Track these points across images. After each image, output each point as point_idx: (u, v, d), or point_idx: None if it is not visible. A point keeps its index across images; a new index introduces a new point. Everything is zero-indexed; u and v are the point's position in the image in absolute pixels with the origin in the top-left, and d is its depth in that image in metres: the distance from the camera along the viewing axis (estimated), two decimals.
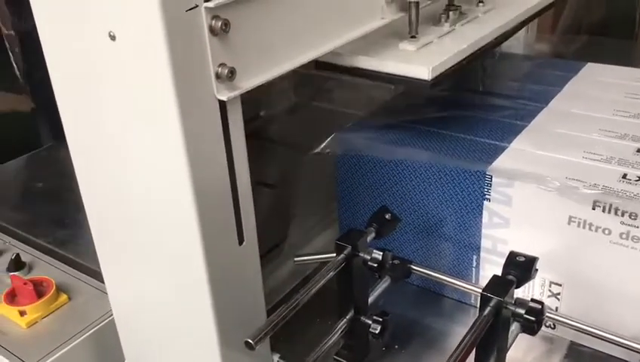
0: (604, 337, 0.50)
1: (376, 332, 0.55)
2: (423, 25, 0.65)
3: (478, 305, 0.48)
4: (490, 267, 0.63)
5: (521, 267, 0.50)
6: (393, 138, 0.67)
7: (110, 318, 0.64)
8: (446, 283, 0.61)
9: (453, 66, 0.60)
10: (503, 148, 0.62)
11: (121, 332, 0.61)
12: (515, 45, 1.02)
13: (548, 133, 0.65)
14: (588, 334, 0.51)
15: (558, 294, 0.59)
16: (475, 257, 0.64)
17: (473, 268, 0.65)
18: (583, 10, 1.42)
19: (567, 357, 0.59)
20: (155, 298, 0.56)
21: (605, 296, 0.57)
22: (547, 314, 0.49)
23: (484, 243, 0.62)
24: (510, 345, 0.50)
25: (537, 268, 0.52)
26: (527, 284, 0.57)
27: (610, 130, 0.64)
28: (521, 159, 0.60)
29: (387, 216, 0.59)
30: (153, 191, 0.48)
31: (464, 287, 0.60)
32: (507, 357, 0.50)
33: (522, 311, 0.47)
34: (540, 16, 0.83)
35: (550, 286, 0.60)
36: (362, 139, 0.67)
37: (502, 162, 0.60)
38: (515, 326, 0.49)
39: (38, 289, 0.67)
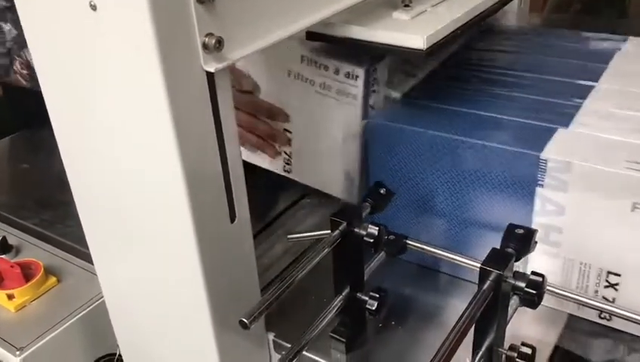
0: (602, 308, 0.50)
1: (373, 308, 0.54)
2: None
3: (478, 280, 0.47)
4: (541, 257, 0.59)
5: (520, 239, 0.49)
6: (433, 124, 0.62)
7: (101, 300, 0.63)
8: (443, 258, 0.60)
9: (447, 35, 0.59)
10: (557, 131, 0.59)
11: (113, 315, 0.60)
12: (510, 19, 1.00)
13: (604, 113, 0.62)
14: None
15: (617, 284, 0.56)
16: None
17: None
18: None
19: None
20: (147, 279, 0.54)
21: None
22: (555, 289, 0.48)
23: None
24: (509, 319, 0.49)
25: (537, 240, 0.51)
26: (580, 275, 0.57)
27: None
28: (579, 142, 0.57)
29: (382, 191, 0.57)
30: (141, 169, 0.47)
31: (462, 262, 0.59)
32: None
33: (523, 285, 0.46)
34: None
35: (607, 276, 0.56)
36: (400, 126, 0.63)
37: (558, 145, 0.56)
38: (514, 300, 0.48)
39: (26, 273, 0.65)
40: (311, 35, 0.58)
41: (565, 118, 0.61)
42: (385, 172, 0.64)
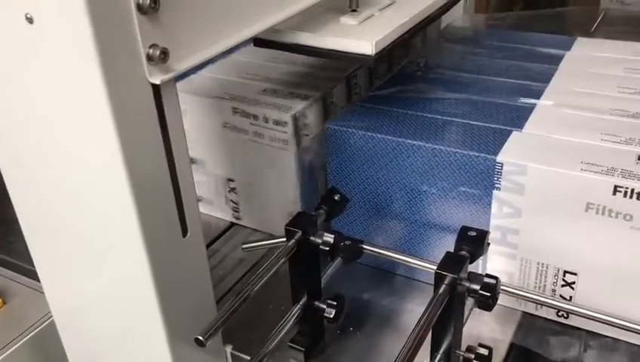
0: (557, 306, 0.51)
1: (331, 316, 0.54)
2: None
3: (434, 283, 0.47)
4: (499, 259, 0.60)
5: (473, 242, 0.50)
6: (391, 129, 0.62)
7: (50, 320, 0.60)
8: (399, 261, 0.60)
9: (395, 40, 0.59)
10: (512, 133, 0.59)
11: (63, 334, 0.58)
12: (456, 19, 1.02)
13: (557, 115, 0.62)
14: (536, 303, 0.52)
15: (573, 283, 0.57)
16: None
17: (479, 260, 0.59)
18: None
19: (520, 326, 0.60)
20: (98, 296, 0.53)
21: (623, 283, 0.54)
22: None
23: (494, 234, 0.58)
24: (466, 321, 0.50)
25: (489, 241, 0.51)
26: (538, 274, 0.58)
27: (621, 110, 0.62)
28: (533, 144, 0.57)
29: (336, 197, 0.57)
30: (87, 184, 0.45)
31: (417, 265, 0.59)
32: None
33: (477, 287, 0.47)
34: None
35: (564, 275, 0.57)
36: (357, 132, 0.63)
37: (513, 148, 0.57)
38: (469, 302, 0.49)
39: None
40: (259, 42, 0.57)
41: (519, 120, 0.62)
42: (342, 177, 0.65)
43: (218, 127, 0.70)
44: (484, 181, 0.57)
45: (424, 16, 0.65)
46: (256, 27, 0.50)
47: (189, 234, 0.48)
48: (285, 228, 0.52)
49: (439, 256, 0.49)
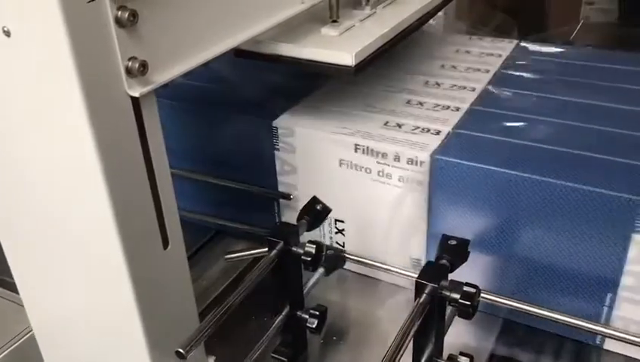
0: (529, 311, 0.52)
1: (313, 326, 0.54)
2: (344, 9, 0.63)
3: (414, 292, 0.48)
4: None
5: (453, 251, 0.50)
6: (508, 161, 0.57)
7: (30, 334, 0.60)
8: (381, 270, 0.61)
9: (376, 51, 0.59)
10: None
11: (44, 349, 0.57)
12: (437, 28, 1.03)
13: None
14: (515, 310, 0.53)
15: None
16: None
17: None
18: None
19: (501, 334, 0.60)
20: (79, 309, 0.52)
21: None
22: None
23: (626, 280, 0.55)
24: (447, 329, 0.50)
25: (470, 249, 0.52)
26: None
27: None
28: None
29: (318, 207, 0.57)
30: (67, 197, 0.45)
31: (399, 274, 0.60)
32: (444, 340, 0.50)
33: (457, 296, 0.47)
34: None
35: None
36: (471, 164, 0.58)
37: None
38: (450, 311, 0.49)
39: None
40: (239, 53, 0.58)
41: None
42: (449, 213, 0.60)
43: (333, 165, 0.64)
44: (621, 223, 0.52)
45: (404, 27, 0.66)
46: (237, 38, 0.50)
47: (170, 246, 0.48)
48: (267, 239, 0.53)
49: (565, 303, 0.52)
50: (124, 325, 0.49)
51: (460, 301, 0.47)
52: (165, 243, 0.48)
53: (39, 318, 0.56)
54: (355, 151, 0.61)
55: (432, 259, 0.51)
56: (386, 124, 0.64)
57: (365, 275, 0.67)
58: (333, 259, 0.57)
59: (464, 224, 0.59)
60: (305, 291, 0.56)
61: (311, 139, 0.64)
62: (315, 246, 0.53)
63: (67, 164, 0.43)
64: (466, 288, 0.47)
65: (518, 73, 0.75)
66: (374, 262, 0.60)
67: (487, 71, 0.75)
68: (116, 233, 0.43)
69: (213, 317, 0.46)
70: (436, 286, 0.46)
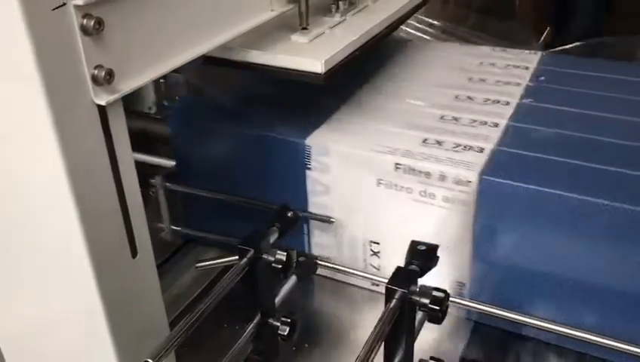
0: (503, 316, 0.53)
1: (285, 334, 0.54)
2: (313, 16, 0.64)
3: (385, 298, 0.48)
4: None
5: (423, 256, 0.51)
6: (568, 183, 0.55)
7: None
8: (353, 275, 0.61)
9: (345, 58, 0.60)
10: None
11: (9, 360, 0.56)
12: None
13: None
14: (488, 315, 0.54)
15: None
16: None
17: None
18: None
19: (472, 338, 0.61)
20: (45, 319, 0.51)
21: None
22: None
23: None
24: (417, 334, 0.51)
25: (439, 255, 0.52)
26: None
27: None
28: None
29: (289, 214, 0.57)
30: (32, 206, 0.44)
31: (370, 279, 0.60)
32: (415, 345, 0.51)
33: (427, 301, 0.47)
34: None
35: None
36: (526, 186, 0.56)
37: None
38: (421, 315, 0.49)
39: None
40: (209, 59, 0.57)
41: None
42: (495, 238, 0.58)
43: (370, 185, 0.61)
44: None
45: (374, 34, 0.66)
46: (205, 46, 0.50)
47: (138, 255, 0.48)
48: (237, 247, 0.52)
49: (624, 329, 0.50)
50: (92, 335, 0.48)
51: (430, 306, 0.47)
52: (134, 252, 0.47)
53: (4, 328, 0.55)
54: (396, 170, 0.59)
55: (478, 282, 0.52)
56: (424, 141, 0.61)
57: (339, 281, 0.67)
58: (305, 265, 0.57)
59: (513, 246, 0.57)
60: (277, 298, 0.56)
61: (347, 157, 0.61)
62: (285, 253, 0.53)
63: (33, 172, 0.42)
64: (435, 293, 0.47)
65: (551, 86, 0.73)
66: (346, 267, 0.61)
67: (518, 84, 0.73)
68: (83, 242, 0.43)
69: (184, 325, 0.46)
70: (406, 291, 0.47)
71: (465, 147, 0.60)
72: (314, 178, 0.63)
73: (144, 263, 0.49)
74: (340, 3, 0.68)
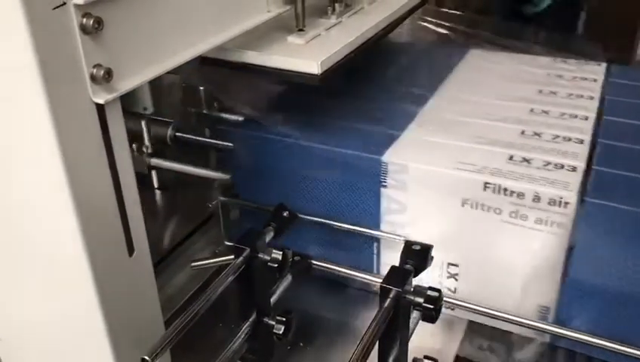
0: (496, 316, 0.53)
1: (280, 333, 0.54)
2: (309, 18, 0.64)
3: (379, 297, 0.48)
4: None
5: (417, 255, 0.51)
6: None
7: None
8: (347, 275, 0.61)
9: (341, 59, 0.60)
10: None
11: (4, 357, 0.56)
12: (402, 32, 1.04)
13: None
14: (481, 314, 0.54)
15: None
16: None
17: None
18: None
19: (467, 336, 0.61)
20: (41, 319, 0.52)
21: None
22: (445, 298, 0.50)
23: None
24: (412, 333, 0.51)
25: (433, 255, 0.53)
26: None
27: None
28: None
29: (285, 214, 0.58)
30: (31, 205, 0.44)
31: (365, 279, 0.61)
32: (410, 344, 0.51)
33: (421, 300, 0.48)
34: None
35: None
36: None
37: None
38: (415, 314, 0.50)
39: None
40: (205, 60, 0.58)
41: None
42: (595, 263, 0.55)
43: (454, 205, 0.58)
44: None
45: (370, 35, 0.67)
46: (202, 46, 0.50)
47: (135, 253, 0.48)
48: (233, 246, 0.53)
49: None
50: (88, 332, 0.48)
51: (424, 305, 0.48)
52: (131, 250, 0.48)
53: (1, 328, 0.55)
54: (484, 189, 0.56)
55: (566, 307, 0.51)
56: (511, 158, 0.58)
57: (334, 281, 0.68)
58: (300, 265, 0.58)
59: (613, 271, 0.54)
60: (273, 298, 0.56)
61: (429, 176, 0.58)
62: (281, 252, 0.53)
63: (31, 169, 0.42)
64: (429, 292, 0.48)
65: (628, 100, 0.70)
66: (341, 267, 0.61)
67: (592, 98, 0.70)
68: (81, 240, 0.43)
69: (180, 324, 0.46)
70: (400, 290, 0.47)
71: (555, 165, 0.57)
72: (389, 196, 0.60)
73: (141, 261, 0.49)
74: (336, 5, 0.68)
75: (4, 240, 0.48)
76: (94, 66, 0.40)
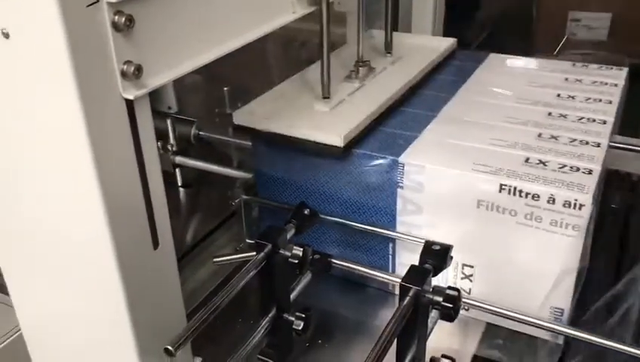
0: (511, 316, 0.54)
1: (300, 328, 0.55)
2: (334, 80, 0.67)
3: (398, 295, 0.49)
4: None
5: (437, 255, 0.52)
6: None
7: (18, 333, 0.60)
8: (367, 275, 0.62)
9: (363, 130, 0.63)
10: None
11: (32, 348, 0.58)
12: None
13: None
14: (497, 315, 0.54)
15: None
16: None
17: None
18: (484, 6, 1.49)
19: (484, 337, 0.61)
20: (68, 309, 0.53)
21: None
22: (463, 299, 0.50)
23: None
24: (430, 332, 0.51)
25: (452, 255, 0.53)
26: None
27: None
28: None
29: (306, 212, 0.59)
30: (60, 197, 0.46)
31: (384, 278, 0.61)
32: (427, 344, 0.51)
33: (440, 299, 0.48)
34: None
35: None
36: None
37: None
38: (434, 314, 0.50)
39: None
40: (237, 127, 0.63)
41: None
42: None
43: (469, 206, 0.58)
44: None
45: (392, 102, 0.69)
46: (229, 45, 0.51)
47: (160, 246, 0.49)
48: (255, 241, 0.54)
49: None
50: (113, 324, 0.49)
51: (443, 303, 0.48)
52: (155, 243, 0.49)
53: (28, 318, 0.56)
54: (500, 191, 0.56)
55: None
56: (527, 160, 0.59)
57: (353, 281, 0.68)
58: (320, 263, 0.58)
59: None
60: (292, 295, 0.57)
61: (445, 177, 0.58)
62: (302, 249, 0.54)
63: (61, 163, 0.44)
64: (448, 291, 0.48)
65: None
66: (360, 267, 0.61)
67: (610, 102, 0.70)
68: (108, 232, 0.44)
69: (202, 315, 0.47)
70: (419, 288, 0.47)
71: (572, 168, 0.57)
72: (405, 197, 0.61)
73: (165, 255, 0.50)
74: (360, 69, 0.71)
75: (33, 233, 0.49)
76: (125, 63, 0.41)
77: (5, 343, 0.61)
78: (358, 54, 0.72)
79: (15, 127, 0.44)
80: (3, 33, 0.39)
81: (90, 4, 0.38)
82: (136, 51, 0.42)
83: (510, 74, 0.79)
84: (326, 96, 0.65)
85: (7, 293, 0.55)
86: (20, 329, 0.58)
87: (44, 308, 0.55)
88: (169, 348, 0.44)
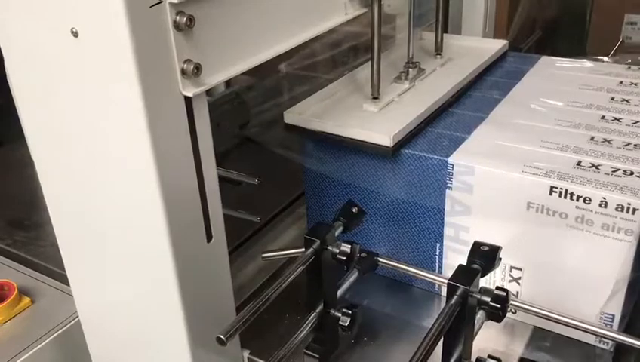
0: (561, 321, 0.53)
1: (346, 324, 0.56)
2: (384, 81, 0.67)
3: (445, 295, 0.49)
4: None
5: (485, 256, 0.51)
6: None
7: (76, 320, 0.63)
8: (413, 274, 0.62)
9: (412, 130, 0.63)
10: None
11: (88, 335, 0.60)
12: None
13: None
14: (545, 318, 0.53)
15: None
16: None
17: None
18: (536, 8, 1.46)
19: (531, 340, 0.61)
20: (123, 298, 0.55)
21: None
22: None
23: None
24: (476, 333, 0.51)
25: (501, 256, 0.53)
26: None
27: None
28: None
29: (354, 210, 0.59)
30: (119, 190, 0.48)
31: (430, 278, 0.61)
32: (473, 345, 0.51)
33: (488, 299, 0.48)
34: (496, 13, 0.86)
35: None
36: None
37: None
38: (480, 314, 0.50)
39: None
40: (287, 126, 0.63)
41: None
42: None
43: (519, 208, 0.57)
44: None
45: (440, 104, 0.68)
46: (283, 45, 0.52)
47: (213, 239, 0.51)
48: (304, 237, 0.55)
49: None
50: (166, 315, 0.51)
51: (491, 304, 0.48)
52: (209, 236, 0.50)
53: (86, 307, 0.59)
54: (550, 193, 0.55)
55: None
56: (579, 163, 0.58)
57: (399, 281, 0.69)
58: (366, 261, 0.59)
59: None
60: (339, 292, 0.58)
61: (495, 178, 0.58)
62: (350, 246, 0.55)
63: (122, 157, 0.46)
64: (496, 291, 0.48)
65: None
66: (408, 266, 0.62)
67: None
68: (165, 225, 0.46)
69: (253, 307, 0.48)
70: (467, 288, 0.48)
71: (625, 171, 0.56)
72: (454, 198, 0.61)
73: (217, 247, 0.52)
74: (410, 70, 0.71)
75: (95, 226, 0.52)
76: (185, 61, 0.43)
77: (64, 329, 0.63)
78: (408, 55, 0.72)
79: (82, 121, 0.46)
80: (72, 32, 0.41)
81: (154, 5, 0.40)
82: (195, 50, 0.43)
83: (562, 77, 0.78)
84: (375, 97, 0.66)
85: (65, 283, 0.58)
86: (77, 317, 0.61)
87: (101, 297, 0.57)
88: (221, 336, 0.45)
